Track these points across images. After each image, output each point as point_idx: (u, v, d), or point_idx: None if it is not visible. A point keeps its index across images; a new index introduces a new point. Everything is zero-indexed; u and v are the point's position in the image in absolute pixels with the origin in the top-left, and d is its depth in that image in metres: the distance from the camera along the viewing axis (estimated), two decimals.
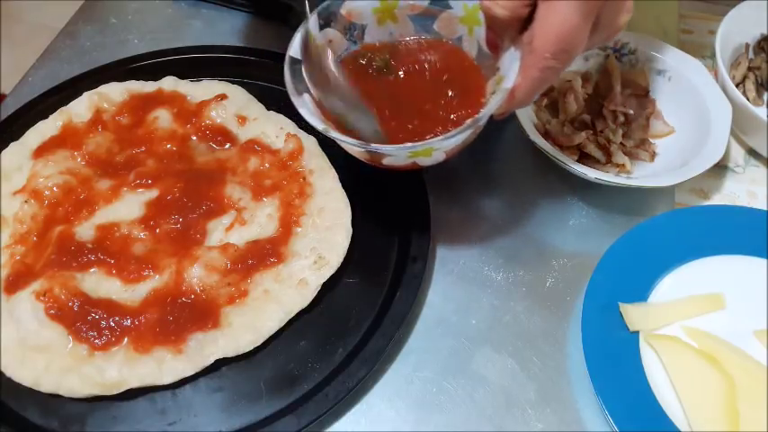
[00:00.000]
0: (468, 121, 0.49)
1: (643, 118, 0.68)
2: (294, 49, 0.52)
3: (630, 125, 0.68)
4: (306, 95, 0.51)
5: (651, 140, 0.68)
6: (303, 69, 0.52)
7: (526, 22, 0.48)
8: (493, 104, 0.48)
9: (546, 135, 0.66)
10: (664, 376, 0.52)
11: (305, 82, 0.51)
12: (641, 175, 0.65)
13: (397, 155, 0.51)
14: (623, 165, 0.65)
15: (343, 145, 0.52)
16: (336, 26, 0.54)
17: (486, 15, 0.51)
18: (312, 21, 0.52)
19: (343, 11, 0.54)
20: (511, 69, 0.49)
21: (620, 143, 0.66)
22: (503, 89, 0.48)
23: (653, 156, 0.66)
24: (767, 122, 0.63)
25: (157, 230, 0.58)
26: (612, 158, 0.65)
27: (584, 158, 0.65)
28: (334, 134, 0.49)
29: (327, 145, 0.65)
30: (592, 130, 0.67)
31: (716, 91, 0.65)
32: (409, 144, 0.48)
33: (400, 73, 0.56)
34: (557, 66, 0.47)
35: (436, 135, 0.50)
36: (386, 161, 0.52)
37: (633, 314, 0.54)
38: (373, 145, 0.48)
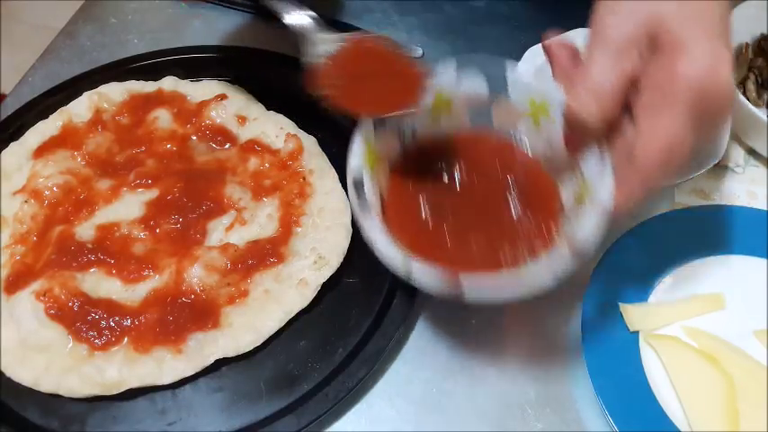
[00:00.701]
0: (565, 247, 0.43)
1: None
2: (355, 172, 0.46)
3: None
4: (375, 218, 0.46)
5: None
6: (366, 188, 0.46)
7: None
8: (591, 227, 0.43)
9: None
10: (664, 376, 0.52)
11: (369, 205, 0.46)
12: None
13: None
14: None
15: (424, 282, 0.44)
16: (389, 127, 0.48)
17: (570, 119, 0.45)
18: (368, 130, 0.46)
19: None
20: (601, 180, 0.43)
21: None
22: (599, 206, 0.43)
23: None
24: (767, 122, 0.63)
25: (157, 230, 0.58)
26: None
27: None
28: (418, 271, 0.43)
29: (327, 145, 0.65)
30: None
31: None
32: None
33: (461, 175, 0.49)
34: (660, 180, 0.43)
35: (520, 260, 0.45)
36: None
37: (633, 314, 0.54)
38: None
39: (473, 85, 0.48)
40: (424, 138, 0.50)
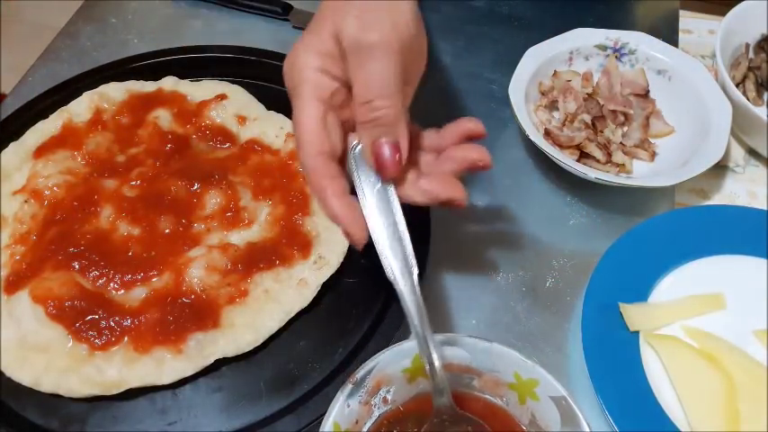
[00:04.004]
0: None
1: (643, 118, 0.68)
2: None
3: (630, 125, 0.68)
4: None
5: (651, 140, 0.68)
6: None
7: None
8: None
9: (546, 135, 0.66)
10: (664, 376, 0.52)
11: None
12: (641, 175, 0.65)
13: None
14: (623, 165, 0.65)
15: None
16: (362, 398, 0.44)
17: None
18: (338, 408, 0.43)
19: (371, 381, 0.44)
20: None
21: (620, 143, 0.66)
22: None
23: (653, 155, 0.66)
24: (767, 122, 0.63)
25: (158, 230, 0.58)
26: (612, 158, 0.65)
27: (585, 158, 0.65)
28: None
29: None
30: (592, 130, 0.67)
31: (716, 91, 0.65)
32: None
33: None
34: None
35: None
36: None
37: (633, 314, 0.54)
38: None
39: (455, 353, 0.46)
40: (399, 401, 0.47)
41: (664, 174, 0.62)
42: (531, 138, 0.61)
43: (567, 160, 0.61)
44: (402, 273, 0.44)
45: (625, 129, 0.68)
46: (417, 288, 0.44)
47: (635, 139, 0.67)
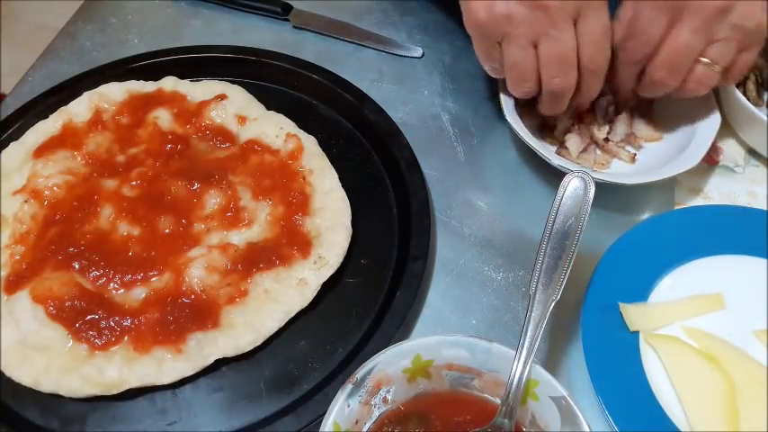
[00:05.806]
0: None
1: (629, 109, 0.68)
2: None
3: (617, 120, 0.67)
4: None
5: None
6: None
7: None
8: None
9: (543, 128, 0.66)
10: (664, 376, 0.52)
11: None
12: (624, 173, 0.65)
13: None
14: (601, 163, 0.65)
15: None
16: (362, 398, 0.44)
17: None
18: (338, 408, 0.43)
19: (371, 382, 0.44)
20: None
21: (606, 138, 0.66)
22: None
23: (633, 158, 0.66)
24: (767, 122, 0.63)
25: (158, 230, 0.58)
26: (585, 153, 0.65)
27: (562, 149, 0.66)
28: None
29: (327, 145, 0.65)
30: (577, 119, 0.67)
31: (708, 95, 0.64)
32: None
33: None
34: None
35: None
36: None
37: (633, 314, 0.54)
38: None
39: (455, 353, 0.46)
40: (399, 401, 0.47)
41: (645, 171, 0.63)
42: (515, 128, 0.61)
43: (559, 160, 0.60)
44: (543, 292, 0.47)
45: (611, 125, 0.68)
46: (548, 312, 0.47)
47: (621, 135, 0.67)
